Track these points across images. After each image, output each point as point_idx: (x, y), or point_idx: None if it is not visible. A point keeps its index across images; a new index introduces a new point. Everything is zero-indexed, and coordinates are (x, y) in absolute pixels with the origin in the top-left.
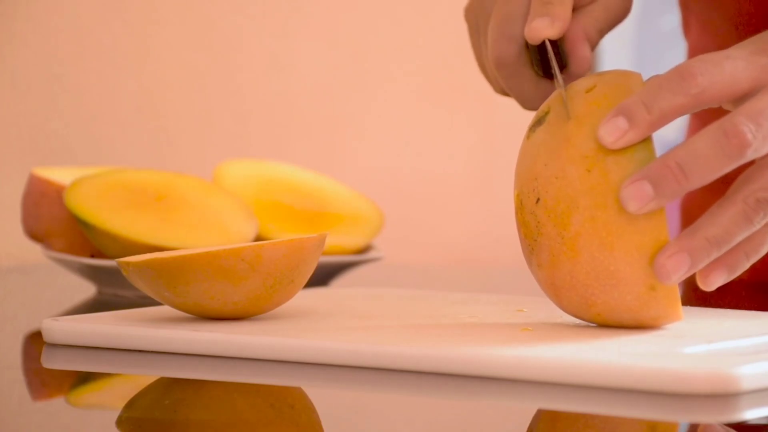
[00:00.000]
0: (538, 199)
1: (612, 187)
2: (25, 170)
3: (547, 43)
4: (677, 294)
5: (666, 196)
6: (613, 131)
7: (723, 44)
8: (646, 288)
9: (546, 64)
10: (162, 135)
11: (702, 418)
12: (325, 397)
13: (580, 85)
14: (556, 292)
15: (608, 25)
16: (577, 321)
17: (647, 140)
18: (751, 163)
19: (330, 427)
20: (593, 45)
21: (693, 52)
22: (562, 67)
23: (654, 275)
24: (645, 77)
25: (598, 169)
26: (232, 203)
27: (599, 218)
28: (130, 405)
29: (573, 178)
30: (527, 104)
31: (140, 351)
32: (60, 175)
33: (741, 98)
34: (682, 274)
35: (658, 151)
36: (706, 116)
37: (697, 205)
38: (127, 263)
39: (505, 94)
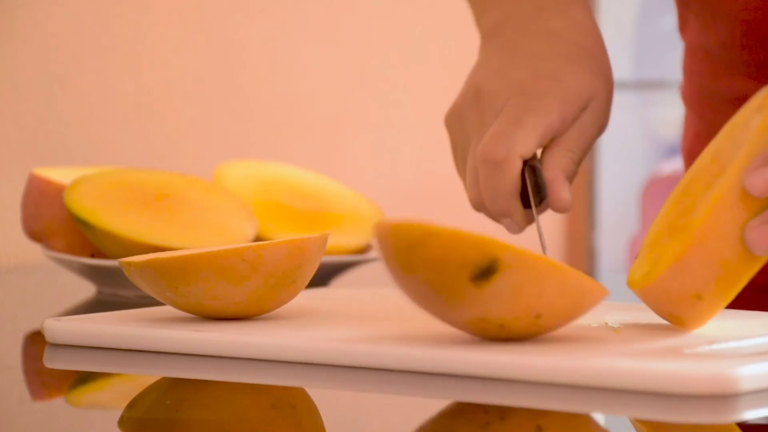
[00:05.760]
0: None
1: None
2: (25, 170)
3: (528, 179)
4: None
5: None
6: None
7: (725, 41)
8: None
9: (526, 198)
10: (162, 135)
11: (702, 418)
12: (326, 397)
13: None
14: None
15: (584, 151)
16: (579, 321)
17: None
18: None
19: (331, 427)
20: (572, 178)
21: (691, 49)
22: (542, 199)
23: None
24: (644, 77)
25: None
26: (232, 203)
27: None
28: (132, 405)
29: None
30: (512, 230)
31: (142, 351)
32: (60, 175)
33: None
34: None
35: (658, 153)
36: (703, 113)
37: None
38: (129, 263)
39: (481, 210)
